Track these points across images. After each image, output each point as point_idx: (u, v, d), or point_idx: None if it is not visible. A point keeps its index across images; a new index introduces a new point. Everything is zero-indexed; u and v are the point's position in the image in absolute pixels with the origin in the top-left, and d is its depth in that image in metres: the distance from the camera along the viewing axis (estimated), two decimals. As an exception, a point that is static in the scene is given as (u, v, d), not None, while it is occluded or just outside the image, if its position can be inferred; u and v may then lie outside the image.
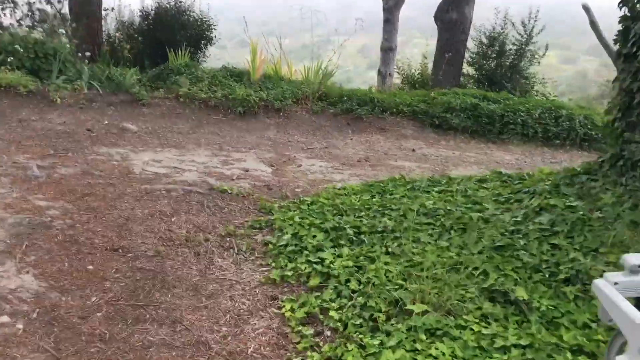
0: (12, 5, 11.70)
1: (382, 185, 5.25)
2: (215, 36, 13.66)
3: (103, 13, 14.06)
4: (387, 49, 17.78)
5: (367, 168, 6.63)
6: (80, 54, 10.72)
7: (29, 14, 12.00)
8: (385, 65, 18.27)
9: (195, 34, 13.33)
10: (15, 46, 9.05)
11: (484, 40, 14.22)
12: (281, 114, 8.55)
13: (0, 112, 6.85)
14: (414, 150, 7.70)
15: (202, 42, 13.55)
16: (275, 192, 5.39)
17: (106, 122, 7.13)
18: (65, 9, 13.17)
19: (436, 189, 4.96)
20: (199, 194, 4.91)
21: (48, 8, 12.27)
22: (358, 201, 4.64)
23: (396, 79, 17.81)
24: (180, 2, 13.31)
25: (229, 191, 4.99)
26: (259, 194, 5.17)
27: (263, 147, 7.17)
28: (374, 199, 4.71)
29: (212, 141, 7.08)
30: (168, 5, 13.24)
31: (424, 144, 8.17)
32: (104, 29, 14.23)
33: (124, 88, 8.34)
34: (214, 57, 15.01)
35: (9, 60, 8.88)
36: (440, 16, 13.62)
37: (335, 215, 4.25)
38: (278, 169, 6.30)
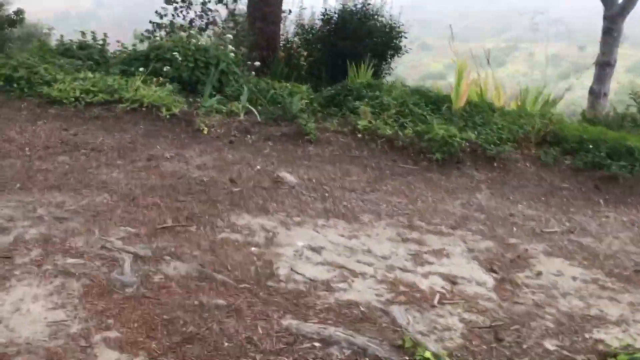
0: (185, 5, 10.62)
1: None
2: (405, 46, 11.41)
3: (282, 15, 12.63)
4: (604, 64, 14.16)
5: (658, 293, 3.88)
6: (250, 62, 9.20)
7: (202, 14, 10.87)
8: (600, 83, 14.61)
9: (381, 42, 11.22)
10: (174, 53, 7.67)
11: None
12: (495, 164, 6.03)
13: (130, 143, 5.31)
14: None
15: (389, 52, 11.40)
16: (510, 350, 2.97)
17: (258, 167, 5.24)
18: (241, 10, 11.91)
19: None
20: (378, 362, 2.66)
21: (222, 9, 11.05)
22: None
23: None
24: (369, 4, 11.29)
25: (434, 365, 2.67)
26: (486, 362, 2.79)
27: (472, 224, 4.74)
28: None
29: (397, 208, 4.83)
30: (353, 9, 11.30)
31: None
32: (281, 32, 12.82)
33: (289, 115, 6.45)
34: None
35: (165, 69, 7.52)
36: None
37: None
38: (503, 279, 3.84)
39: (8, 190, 3.98)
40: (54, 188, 4.12)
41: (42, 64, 6.69)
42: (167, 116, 5.91)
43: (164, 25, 10.67)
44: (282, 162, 5.45)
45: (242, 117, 6.33)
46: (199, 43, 8.04)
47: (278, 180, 4.98)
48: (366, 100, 7.09)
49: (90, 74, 6.56)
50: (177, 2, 10.41)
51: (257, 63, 9.19)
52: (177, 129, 5.81)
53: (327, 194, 4.88)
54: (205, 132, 5.80)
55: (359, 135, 6.21)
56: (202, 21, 10.50)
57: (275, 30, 12.24)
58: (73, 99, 5.92)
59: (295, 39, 13.04)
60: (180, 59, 7.71)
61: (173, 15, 10.80)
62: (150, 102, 6.00)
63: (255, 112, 6.37)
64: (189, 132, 5.79)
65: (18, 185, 4.08)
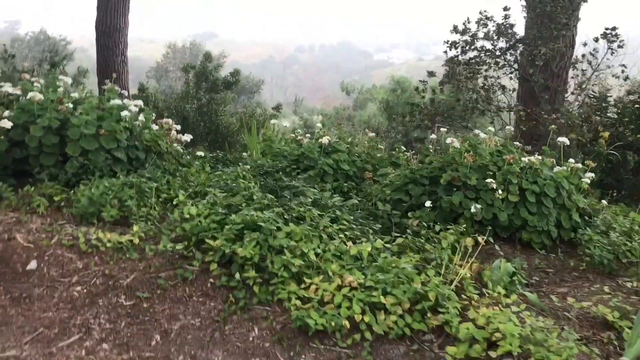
0: (470, 73, 7.29)
1: None
2: None
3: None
4: None
5: None
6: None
7: (483, 92, 7.47)
8: None
9: None
10: (489, 180, 4.43)
11: None
12: None
13: None
14: None
15: None
16: None
17: None
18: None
19: None
20: None
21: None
22: None
23: None
24: None
25: None
26: None
27: None
28: None
29: None
30: None
31: None
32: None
33: None
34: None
35: (473, 210, 4.31)
36: None
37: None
38: None
39: None
40: None
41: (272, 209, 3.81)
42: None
43: (422, 107, 7.56)
44: None
45: None
46: (527, 159, 4.67)
47: None
48: None
49: (365, 246, 3.47)
50: (454, 77, 7.19)
51: (589, 177, 5.48)
52: None
53: None
54: None
55: None
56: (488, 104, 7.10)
57: (560, 100, 8.51)
58: (346, 330, 2.85)
59: (581, 111, 9.15)
60: (498, 190, 4.43)
61: (434, 90, 7.65)
62: (511, 347, 2.67)
63: None
64: None
65: None
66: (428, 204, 4.59)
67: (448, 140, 5.05)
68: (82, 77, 14.63)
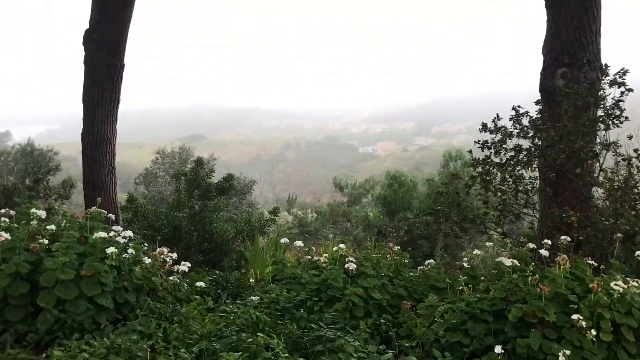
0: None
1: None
2: None
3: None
4: None
5: None
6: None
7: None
8: None
9: None
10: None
11: None
12: None
13: None
14: None
15: None
16: None
17: None
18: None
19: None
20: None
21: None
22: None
23: None
24: None
25: None
26: None
27: None
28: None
29: None
30: None
31: None
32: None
33: None
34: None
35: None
36: None
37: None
38: None
39: None
40: None
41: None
42: None
43: (447, 212, 6.65)
44: None
45: None
46: (614, 284, 3.76)
47: None
48: None
49: None
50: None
51: None
52: None
53: None
54: None
55: None
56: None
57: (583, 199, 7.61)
58: None
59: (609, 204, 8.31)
60: (590, 330, 3.47)
61: (459, 193, 6.73)
62: None
63: None
64: None
65: None
66: (498, 349, 3.62)
67: (507, 262, 4.15)
68: (67, 191, 13.76)
